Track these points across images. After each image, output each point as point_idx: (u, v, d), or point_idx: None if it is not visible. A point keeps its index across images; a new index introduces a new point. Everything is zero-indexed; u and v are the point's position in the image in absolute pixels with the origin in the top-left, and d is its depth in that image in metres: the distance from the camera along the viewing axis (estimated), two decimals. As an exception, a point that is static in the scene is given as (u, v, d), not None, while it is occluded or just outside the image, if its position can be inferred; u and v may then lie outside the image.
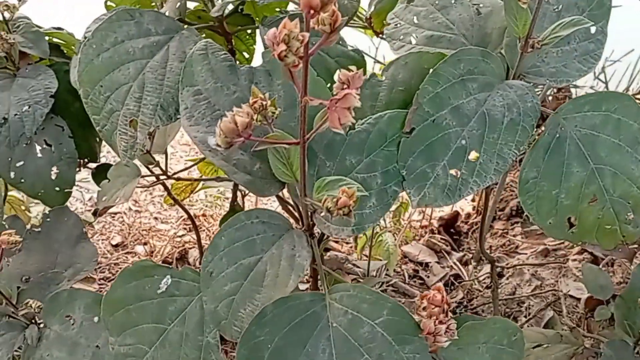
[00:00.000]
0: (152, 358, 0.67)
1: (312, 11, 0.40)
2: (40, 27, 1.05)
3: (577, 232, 0.66)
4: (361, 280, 1.42)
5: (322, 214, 0.50)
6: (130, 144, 0.67)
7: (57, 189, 0.95)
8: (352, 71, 0.50)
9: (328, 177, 0.56)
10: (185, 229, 1.82)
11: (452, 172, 0.60)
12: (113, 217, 1.94)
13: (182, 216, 1.82)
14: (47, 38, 1.02)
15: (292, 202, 0.64)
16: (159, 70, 0.67)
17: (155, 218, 1.93)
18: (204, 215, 1.86)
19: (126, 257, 1.71)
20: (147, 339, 0.67)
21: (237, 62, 0.93)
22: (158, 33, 0.68)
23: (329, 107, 0.44)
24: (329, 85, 0.76)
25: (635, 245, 0.84)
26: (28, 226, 0.90)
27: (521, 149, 0.62)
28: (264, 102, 0.52)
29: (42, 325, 0.77)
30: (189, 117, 0.62)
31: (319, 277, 0.65)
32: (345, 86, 0.50)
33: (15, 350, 0.76)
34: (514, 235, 1.65)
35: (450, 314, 0.56)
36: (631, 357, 0.69)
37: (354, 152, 0.61)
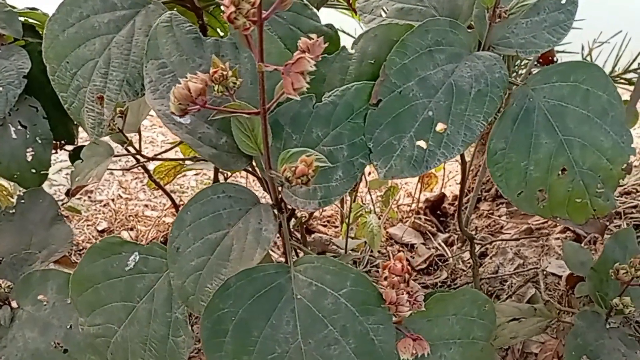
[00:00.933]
0: (122, 337, 0.66)
1: (262, -27, 0.39)
2: (14, 7, 1.03)
3: (547, 206, 0.66)
4: (337, 254, 1.42)
5: (299, 190, 0.50)
6: (97, 120, 0.66)
7: (33, 170, 0.94)
8: (313, 39, 0.49)
9: (293, 149, 0.55)
10: (173, 214, 1.82)
11: (419, 143, 0.60)
12: (103, 205, 1.93)
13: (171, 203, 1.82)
14: (21, 18, 1.00)
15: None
16: (125, 45, 0.66)
17: (145, 205, 1.92)
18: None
19: (111, 242, 1.70)
20: (116, 317, 0.67)
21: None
22: (124, 7, 0.67)
23: (283, 72, 0.43)
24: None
25: (607, 219, 0.84)
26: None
27: (489, 120, 0.62)
28: (225, 72, 0.51)
29: (15, 306, 0.77)
30: (154, 90, 0.61)
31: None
32: (305, 54, 0.49)
33: (-12, 331, 0.76)
34: (499, 216, 1.65)
35: (418, 286, 0.56)
36: (602, 328, 0.69)
37: (321, 125, 0.61)
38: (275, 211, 0.61)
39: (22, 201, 0.90)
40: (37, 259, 0.82)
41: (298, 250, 0.88)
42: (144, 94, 0.67)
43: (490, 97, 0.61)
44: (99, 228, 1.79)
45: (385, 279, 0.50)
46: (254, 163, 0.63)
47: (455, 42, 0.63)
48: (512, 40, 0.65)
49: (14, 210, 0.89)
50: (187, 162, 1.33)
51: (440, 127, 0.60)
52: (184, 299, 0.59)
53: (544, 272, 1.30)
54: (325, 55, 0.69)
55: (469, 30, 0.65)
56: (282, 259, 1.11)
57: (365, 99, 0.61)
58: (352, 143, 0.60)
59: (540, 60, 1.08)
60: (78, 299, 0.68)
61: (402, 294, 0.49)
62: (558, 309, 0.87)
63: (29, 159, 0.94)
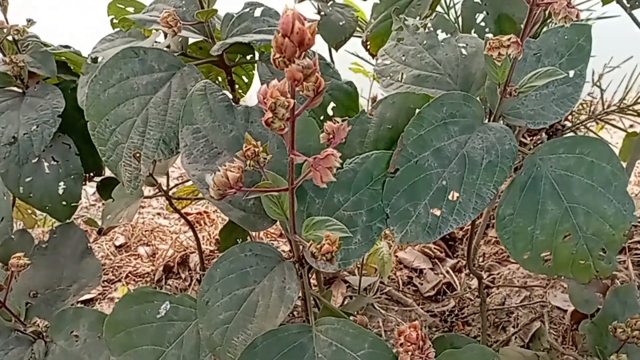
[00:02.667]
0: (151, 377, 0.71)
1: (296, 82, 0.44)
2: (48, 46, 1.09)
3: (552, 266, 0.70)
4: (355, 288, 1.46)
5: (309, 257, 0.54)
6: (134, 174, 0.71)
7: (64, 203, 1.00)
8: (338, 122, 0.54)
9: (316, 217, 0.60)
10: (188, 237, 1.86)
11: (433, 211, 0.64)
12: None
13: (185, 212, 1.86)
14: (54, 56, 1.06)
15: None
16: (162, 106, 0.71)
17: (158, 214, 1.97)
18: (205, 212, 1.89)
19: (129, 259, 1.75)
20: (146, 359, 0.71)
21: (237, 86, 0.98)
22: (161, 70, 0.72)
23: (312, 165, 0.48)
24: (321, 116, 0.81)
25: (609, 280, 0.88)
26: (35, 232, 0.95)
27: (499, 188, 0.66)
28: (257, 149, 0.56)
29: (48, 341, 0.82)
30: (188, 154, 0.66)
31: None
32: (331, 136, 0.54)
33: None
34: (506, 244, 1.68)
35: (429, 344, 0.60)
36: (601, 381, 0.73)
37: (342, 190, 0.65)
38: (297, 266, 0.66)
39: (55, 235, 0.96)
40: (70, 294, 0.87)
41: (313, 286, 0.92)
42: (178, 152, 0.72)
43: (500, 168, 0.66)
44: (117, 244, 1.84)
45: (401, 345, 0.55)
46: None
47: (468, 114, 0.67)
48: (521, 111, 0.70)
49: (46, 244, 0.95)
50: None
51: (453, 195, 0.65)
52: (211, 349, 0.64)
53: (549, 306, 1.34)
54: (346, 118, 0.74)
55: (479, 100, 0.70)
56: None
57: (383, 167, 0.66)
58: (371, 209, 0.65)
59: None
60: (111, 340, 0.73)
61: (418, 358, 0.54)
62: (561, 353, 0.91)
63: (61, 192, 0.99)
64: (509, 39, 0.56)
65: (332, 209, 0.65)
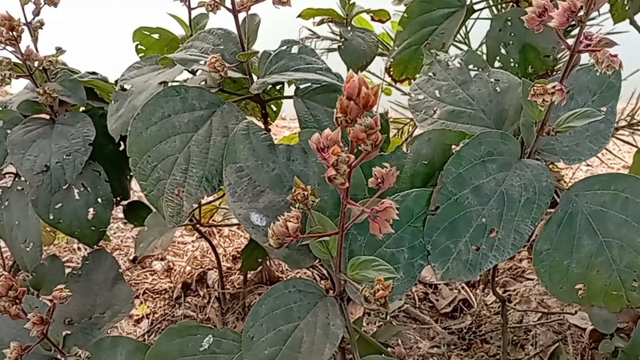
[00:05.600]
0: (194, 408, 0.73)
1: (359, 140, 0.46)
2: (75, 73, 1.10)
3: (585, 297, 0.72)
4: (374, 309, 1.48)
5: (361, 299, 0.56)
6: (176, 210, 0.73)
7: (93, 228, 1.01)
8: (386, 168, 0.55)
9: (361, 256, 0.62)
10: (200, 237, 1.87)
11: (474, 248, 0.66)
12: (126, 224, 1.98)
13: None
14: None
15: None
16: (204, 144, 0.72)
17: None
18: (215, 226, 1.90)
19: (146, 275, 1.76)
20: (188, 390, 0.73)
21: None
22: (201, 108, 0.74)
23: (370, 216, 0.49)
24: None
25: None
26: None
27: (536, 224, 0.68)
28: (305, 193, 0.58)
29: (84, 369, 0.83)
30: (233, 193, 0.67)
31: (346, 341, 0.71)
32: (379, 182, 0.56)
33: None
34: (520, 260, 1.70)
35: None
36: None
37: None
38: (339, 301, 0.68)
39: (87, 262, 0.97)
40: (105, 322, 0.88)
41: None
42: (220, 189, 0.74)
43: (538, 205, 0.67)
44: (131, 257, 1.86)
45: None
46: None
47: (505, 152, 0.69)
48: (556, 147, 0.72)
49: (79, 272, 0.96)
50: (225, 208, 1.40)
51: (492, 233, 0.66)
52: (256, 383, 0.66)
53: (567, 324, 1.36)
54: (382, 153, 0.76)
55: (515, 139, 0.71)
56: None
57: (424, 205, 0.68)
58: (412, 246, 0.67)
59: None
60: (152, 371, 0.74)
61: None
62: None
63: (90, 217, 1.01)
64: (554, 87, 0.58)
65: (374, 246, 0.66)
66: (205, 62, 0.71)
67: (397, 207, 0.67)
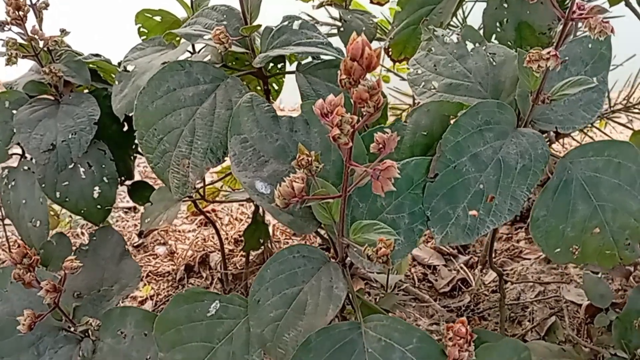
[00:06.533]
0: (200, 372, 0.75)
1: (362, 101, 0.48)
2: (80, 55, 1.12)
3: (580, 257, 0.74)
4: (374, 285, 1.50)
5: (365, 260, 0.58)
6: (182, 181, 0.75)
7: (99, 207, 1.03)
8: (388, 133, 0.58)
9: (363, 220, 0.64)
10: (201, 225, 1.90)
11: (471, 213, 0.68)
12: (127, 212, 2.01)
13: (193, 211, 1.90)
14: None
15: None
16: (208, 117, 0.74)
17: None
18: (214, 210, 1.92)
19: (149, 259, 1.79)
20: (195, 355, 0.75)
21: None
22: (206, 82, 0.76)
23: (373, 175, 0.52)
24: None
25: (631, 266, 0.92)
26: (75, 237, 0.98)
27: (532, 191, 0.70)
28: (310, 159, 0.60)
29: (95, 339, 0.85)
30: (237, 163, 0.70)
31: (350, 304, 0.73)
32: (381, 147, 0.58)
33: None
34: (517, 241, 1.73)
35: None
36: (627, 372, 0.77)
37: (384, 195, 0.69)
38: (342, 267, 0.70)
39: (94, 238, 0.99)
40: (113, 294, 0.91)
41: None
42: (225, 161, 0.76)
43: (534, 171, 0.70)
44: (135, 243, 1.88)
45: (450, 339, 0.59)
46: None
47: (502, 121, 0.71)
48: (551, 117, 0.74)
49: (87, 247, 0.98)
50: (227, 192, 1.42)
51: (489, 198, 0.69)
52: (261, 345, 0.68)
53: (563, 301, 1.38)
54: (381, 125, 0.78)
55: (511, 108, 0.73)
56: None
57: (423, 172, 0.70)
58: (412, 212, 0.69)
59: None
60: (160, 337, 0.76)
61: (465, 352, 0.58)
62: (583, 345, 0.95)
63: (95, 196, 1.03)
64: (549, 53, 0.60)
65: (375, 213, 0.69)
66: (210, 36, 0.73)
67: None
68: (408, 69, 1.71)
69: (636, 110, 1.79)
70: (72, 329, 0.85)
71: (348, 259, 0.72)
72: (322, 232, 0.75)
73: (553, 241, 0.73)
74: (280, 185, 0.54)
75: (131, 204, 2.04)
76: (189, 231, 1.89)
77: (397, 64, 1.17)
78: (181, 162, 0.74)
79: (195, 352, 0.75)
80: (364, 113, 0.51)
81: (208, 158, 0.74)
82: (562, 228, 0.72)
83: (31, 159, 1.02)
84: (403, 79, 1.63)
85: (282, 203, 0.54)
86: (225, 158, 0.74)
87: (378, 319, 0.64)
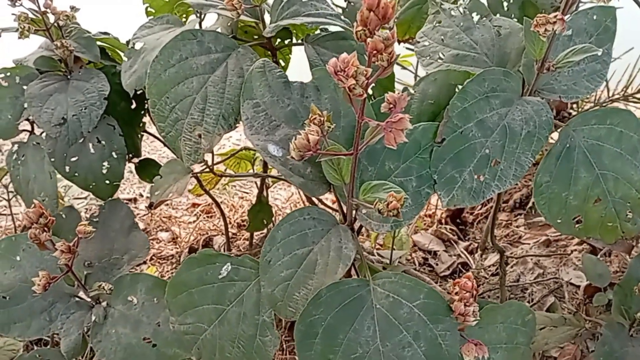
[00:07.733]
0: (211, 335, 0.77)
1: (376, 52, 0.50)
2: (89, 32, 1.14)
3: (582, 229, 0.76)
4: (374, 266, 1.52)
5: (375, 214, 0.60)
6: (194, 149, 0.76)
7: (107, 182, 1.04)
8: (398, 92, 0.59)
9: (372, 181, 0.66)
10: (201, 214, 1.91)
11: (477, 177, 0.70)
12: (127, 203, 2.02)
13: (193, 203, 1.92)
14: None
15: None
16: (220, 85, 0.76)
17: (167, 205, 2.02)
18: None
19: (152, 243, 1.80)
20: (206, 318, 0.77)
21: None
22: (217, 51, 0.78)
23: (385, 128, 0.53)
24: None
25: (633, 240, 0.94)
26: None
27: (536, 157, 0.72)
28: (322, 119, 0.62)
29: (106, 305, 0.87)
30: (250, 126, 0.71)
31: (358, 265, 0.75)
32: (391, 106, 0.59)
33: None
34: (517, 227, 1.75)
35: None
36: (627, 337, 0.79)
37: (392, 159, 0.71)
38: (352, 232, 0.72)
39: (104, 210, 1.01)
40: (124, 263, 0.92)
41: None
42: (237, 127, 0.77)
43: (538, 138, 0.71)
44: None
45: (457, 293, 0.60)
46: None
47: (508, 89, 0.73)
48: (555, 86, 0.76)
49: (97, 219, 1.00)
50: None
51: (495, 162, 0.70)
52: (272, 305, 0.70)
53: (563, 282, 1.40)
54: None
55: (517, 76, 0.75)
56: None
57: (430, 137, 0.72)
58: (420, 175, 0.71)
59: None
60: (172, 301, 0.78)
61: (470, 307, 0.59)
62: (584, 318, 0.97)
63: (104, 171, 1.04)
64: (555, 16, 0.62)
65: (384, 176, 0.70)
66: (222, 5, 0.75)
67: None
68: (407, 61, 1.72)
69: (634, 100, 1.81)
70: (83, 296, 0.87)
71: (357, 222, 0.73)
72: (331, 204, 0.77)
73: (556, 209, 0.75)
74: (295, 139, 0.56)
75: (132, 194, 2.06)
76: (190, 222, 1.90)
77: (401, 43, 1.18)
78: (194, 129, 0.76)
79: (207, 314, 0.77)
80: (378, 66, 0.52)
81: (220, 124, 0.75)
82: (565, 196, 0.74)
83: (41, 134, 1.03)
84: (404, 68, 1.64)
85: (297, 155, 0.56)
86: (237, 125, 0.76)
87: (386, 276, 0.66)
